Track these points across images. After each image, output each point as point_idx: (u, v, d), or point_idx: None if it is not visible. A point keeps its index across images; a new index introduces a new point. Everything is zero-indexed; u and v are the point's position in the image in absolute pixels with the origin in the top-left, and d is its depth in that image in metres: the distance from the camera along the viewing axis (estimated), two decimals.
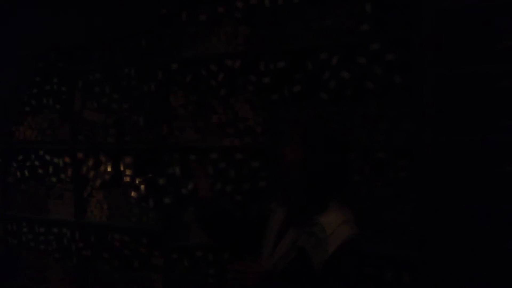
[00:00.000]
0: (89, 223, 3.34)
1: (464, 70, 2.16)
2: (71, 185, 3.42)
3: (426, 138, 2.20)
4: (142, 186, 3.08)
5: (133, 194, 3.10)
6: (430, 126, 2.19)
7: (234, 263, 1.62)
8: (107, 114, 3.23)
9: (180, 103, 2.91)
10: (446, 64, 2.18)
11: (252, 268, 1.63)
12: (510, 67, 2.07)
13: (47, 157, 3.60)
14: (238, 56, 2.73)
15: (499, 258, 2.08)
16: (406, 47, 2.30)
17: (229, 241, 2.00)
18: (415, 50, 2.24)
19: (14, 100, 3.73)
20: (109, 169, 3.27)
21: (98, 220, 3.31)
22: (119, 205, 3.21)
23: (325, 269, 1.51)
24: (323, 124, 1.82)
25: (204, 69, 2.85)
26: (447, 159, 2.20)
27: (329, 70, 2.48)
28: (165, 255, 2.97)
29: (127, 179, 3.17)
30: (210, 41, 2.83)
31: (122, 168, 3.21)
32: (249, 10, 2.71)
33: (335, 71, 2.46)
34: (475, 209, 2.13)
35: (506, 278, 2.07)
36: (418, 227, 2.25)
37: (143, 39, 3.08)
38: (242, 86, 2.77)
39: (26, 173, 3.69)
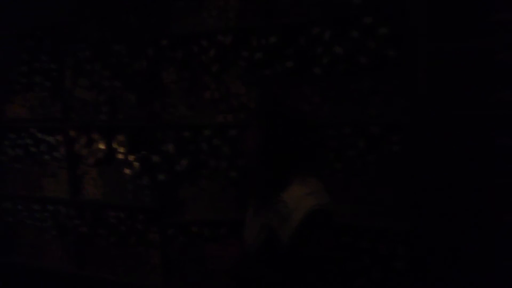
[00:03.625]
0: (85, 201, 3.35)
1: (457, 44, 2.15)
2: (65, 163, 3.41)
3: (419, 113, 2.20)
4: (136, 164, 3.08)
5: (127, 171, 3.10)
6: (423, 100, 2.19)
7: (210, 247, 1.65)
8: (98, 92, 3.19)
9: (172, 80, 2.88)
10: (439, 38, 2.17)
11: (228, 251, 1.68)
12: (503, 40, 2.06)
13: (39, 135, 3.58)
14: (229, 31, 2.70)
15: (493, 231, 2.12)
16: (399, 20, 2.28)
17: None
18: (408, 24, 2.22)
19: (3, 79, 3.67)
20: (102, 146, 3.25)
21: (93, 198, 3.32)
22: (114, 182, 3.21)
23: (291, 243, 1.54)
24: (279, 104, 1.83)
25: (195, 45, 2.82)
26: (440, 133, 2.21)
27: (322, 45, 2.46)
28: (161, 231, 3.00)
29: (121, 156, 3.16)
30: (201, 16, 2.79)
31: (115, 146, 3.20)
32: None
33: (327, 46, 2.44)
34: (469, 183, 2.15)
35: (499, 250, 2.11)
36: (412, 200, 2.28)
37: (132, 15, 3.02)
38: (234, 61, 2.75)
39: (19, 151, 3.67)
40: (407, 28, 2.24)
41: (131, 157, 3.12)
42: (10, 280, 3.66)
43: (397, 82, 2.32)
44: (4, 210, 3.78)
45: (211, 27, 2.76)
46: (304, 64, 2.54)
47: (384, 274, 2.40)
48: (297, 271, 1.52)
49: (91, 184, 3.32)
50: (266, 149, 1.65)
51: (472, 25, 2.12)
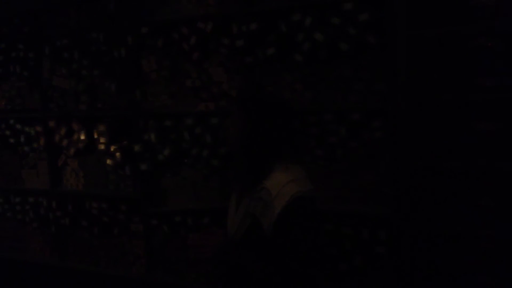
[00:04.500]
0: (66, 192, 3.31)
1: (438, 30, 2.15)
2: (45, 154, 3.36)
3: (400, 99, 2.21)
4: (118, 154, 3.05)
5: (108, 161, 3.07)
6: (404, 86, 2.19)
7: (193, 236, 1.65)
8: (77, 81, 3.14)
9: (153, 68, 2.84)
10: (419, 24, 2.17)
11: (210, 240, 1.68)
12: (483, 25, 2.07)
13: (18, 126, 3.52)
14: (209, 18, 2.67)
15: (474, 215, 2.14)
16: (379, 6, 2.28)
17: None
18: (388, 10, 2.22)
19: None
20: (82, 137, 3.21)
21: (74, 189, 3.28)
22: (95, 173, 3.18)
23: (273, 230, 1.54)
24: (260, 91, 1.82)
25: (175, 33, 2.78)
26: (421, 119, 2.22)
27: (303, 32, 2.44)
28: (144, 221, 2.98)
29: (102, 146, 3.13)
30: (181, 3, 2.75)
31: (96, 136, 3.16)
32: None
33: (308, 32, 2.43)
34: (450, 167, 2.17)
35: (480, 234, 2.14)
36: (394, 186, 2.29)
37: (111, 2, 2.97)
38: (215, 49, 2.72)
39: None
40: (387, 14, 2.23)
41: (112, 147, 3.09)
42: None
43: (378, 68, 2.33)
44: None
45: (192, 14, 2.72)
46: (285, 51, 2.53)
47: (366, 259, 2.42)
48: (280, 258, 1.52)
49: (72, 175, 3.28)
50: (248, 136, 1.65)
51: (451, 11, 2.13)
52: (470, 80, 2.11)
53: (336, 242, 2.48)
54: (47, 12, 3.23)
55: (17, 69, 3.44)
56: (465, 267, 2.18)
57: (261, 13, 2.54)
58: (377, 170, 2.38)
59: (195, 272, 2.85)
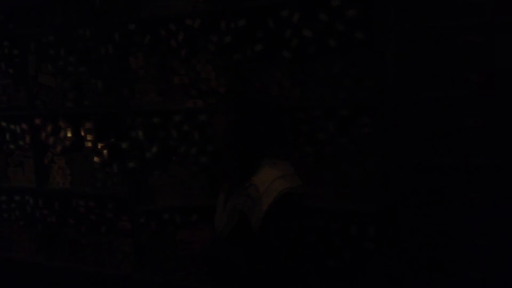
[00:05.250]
0: (52, 190, 3.28)
1: (426, 25, 2.15)
2: (31, 152, 3.33)
3: (389, 95, 2.21)
4: (105, 151, 3.02)
5: (95, 159, 3.04)
6: (393, 82, 2.20)
7: (181, 233, 1.64)
8: (63, 78, 3.11)
9: (140, 65, 2.83)
10: (407, 20, 2.17)
11: (198, 237, 1.68)
12: (471, 21, 2.08)
13: (4, 124, 3.48)
14: (197, 14, 2.66)
15: (462, 211, 2.16)
16: (367, 2, 2.28)
17: None
18: (376, 5, 2.23)
19: None
20: (69, 134, 3.18)
21: (61, 187, 3.25)
22: (82, 171, 3.15)
23: (262, 227, 1.53)
24: (248, 88, 1.81)
25: (163, 29, 2.77)
26: (410, 115, 2.22)
27: (291, 28, 2.44)
28: (132, 219, 2.96)
29: (89, 144, 3.10)
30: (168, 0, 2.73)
31: (82, 133, 3.13)
32: None
33: (296, 29, 2.42)
34: (439, 162, 2.18)
35: (470, 230, 2.15)
36: (383, 182, 2.30)
37: None
38: (203, 46, 2.71)
39: None
40: (375, 10, 2.24)
41: (99, 145, 3.06)
42: None
43: (367, 64, 2.33)
44: None
45: (179, 10, 2.70)
46: (274, 47, 2.52)
47: (355, 255, 2.43)
48: (268, 254, 1.51)
49: (58, 173, 3.25)
50: (236, 133, 1.64)
51: (440, 6, 2.13)
52: (459, 76, 2.11)
53: (325, 238, 2.48)
54: (33, 9, 3.19)
55: (2, 67, 3.40)
56: (454, 263, 2.19)
57: (249, 9, 2.53)
58: (366, 166, 2.38)
59: (184, 269, 2.84)
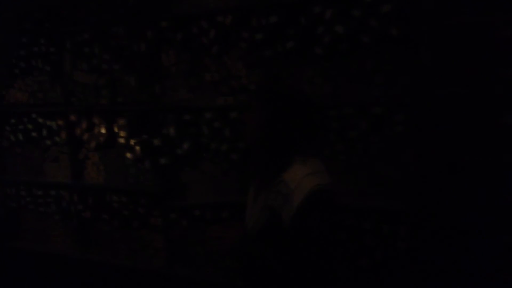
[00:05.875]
0: (87, 185, 3.34)
1: (461, 20, 2.10)
2: (66, 148, 3.40)
3: (422, 92, 2.17)
4: (138, 147, 3.06)
5: (128, 155, 3.08)
6: (427, 79, 2.15)
7: (211, 229, 1.64)
8: (98, 75, 3.17)
9: (172, 62, 2.85)
10: (442, 15, 2.12)
11: (229, 233, 1.67)
12: (507, 16, 2.01)
13: (40, 120, 3.57)
14: (229, 11, 2.66)
15: (495, 210, 2.10)
16: None
17: None
18: (411, 1, 2.18)
19: (2, 63, 3.65)
20: (103, 130, 3.24)
21: (95, 182, 3.31)
22: (116, 166, 3.20)
23: (292, 223, 1.52)
24: (280, 85, 1.79)
25: (195, 26, 2.78)
26: (444, 112, 2.17)
27: (323, 24, 2.41)
28: (163, 215, 3.00)
29: (122, 140, 3.15)
30: None
31: (116, 130, 3.18)
32: None
33: (329, 25, 2.40)
34: (472, 162, 2.12)
35: (501, 230, 2.09)
36: (415, 181, 2.26)
37: None
38: (235, 43, 2.71)
39: (20, 136, 3.66)
40: (410, 5, 2.19)
41: (132, 141, 3.10)
42: (15, 265, 3.67)
43: (400, 61, 2.28)
44: (7, 196, 3.78)
45: (211, 7, 2.71)
46: (305, 44, 2.50)
47: (387, 255, 2.39)
48: (299, 251, 1.50)
49: (93, 169, 3.31)
50: (268, 130, 1.63)
51: (475, 1, 2.07)
52: (493, 72, 2.05)
53: (357, 237, 2.45)
54: (68, 7, 3.25)
55: (39, 64, 3.48)
56: (486, 264, 2.13)
57: (281, 5, 2.52)
58: (398, 164, 2.34)
59: (214, 265, 2.86)
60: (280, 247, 1.56)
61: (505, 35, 2.02)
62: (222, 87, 2.74)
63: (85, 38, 3.21)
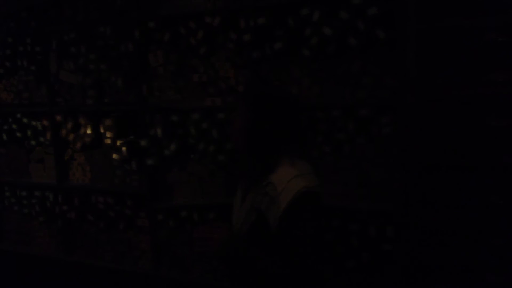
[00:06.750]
0: (72, 186, 3.31)
1: (448, 23, 2.12)
2: (51, 149, 3.37)
3: (409, 94, 2.18)
4: (124, 148, 3.04)
5: (115, 156, 3.06)
6: (414, 81, 2.17)
7: (198, 230, 1.64)
8: (84, 75, 3.14)
9: (160, 63, 2.83)
10: (429, 18, 2.14)
11: (216, 234, 1.67)
12: (494, 19, 2.03)
13: (25, 120, 3.53)
14: (217, 12, 2.65)
15: (482, 213, 2.12)
16: (388, 0, 2.25)
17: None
18: (398, 3, 2.19)
19: None
20: (89, 131, 3.21)
21: (81, 183, 3.28)
22: (102, 167, 3.18)
23: (279, 225, 1.52)
24: (267, 86, 1.80)
25: (182, 27, 2.77)
26: (430, 114, 2.19)
27: (311, 26, 2.42)
28: (150, 216, 2.98)
29: (108, 141, 3.12)
30: None
31: (102, 130, 3.15)
32: None
33: (316, 27, 2.40)
34: (459, 164, 2.14)
35: (488, 232, 2.11)
36: (402, 182, 2.27)
37: None
38: (223, 44, 2.71)
39: (4, 136, 3.62)
40: (396, 8, 2.21)
41: (118, 142, 3.08)
42: None
43: (387, 63, 2.30)
44: None
45: (199, 8, 2.71)
46: (293, 45, 2.50)
47: (373, 256, 2.40)
48: (286, 253, 1.51)
49: (78, 170, 3.28)
50: (255, 131, 1.63)
51: (462, 4, 2.09)
52: (481, 75, 2.07)
53: (343, 238, 2.46)
54: (54, 6, 3.22)
55: (24, 63, 3.44)
56: (473, 265, 2.15)
57: (269, 7, 2.52)
58: (385, 166, 2.35)
59: (201, 267, 2.85)
60: (267, 249, 1.57)
61: (491, 39, 2.04)
62: (209, 88, 2.73)
63: (72, 37, 3.18)
